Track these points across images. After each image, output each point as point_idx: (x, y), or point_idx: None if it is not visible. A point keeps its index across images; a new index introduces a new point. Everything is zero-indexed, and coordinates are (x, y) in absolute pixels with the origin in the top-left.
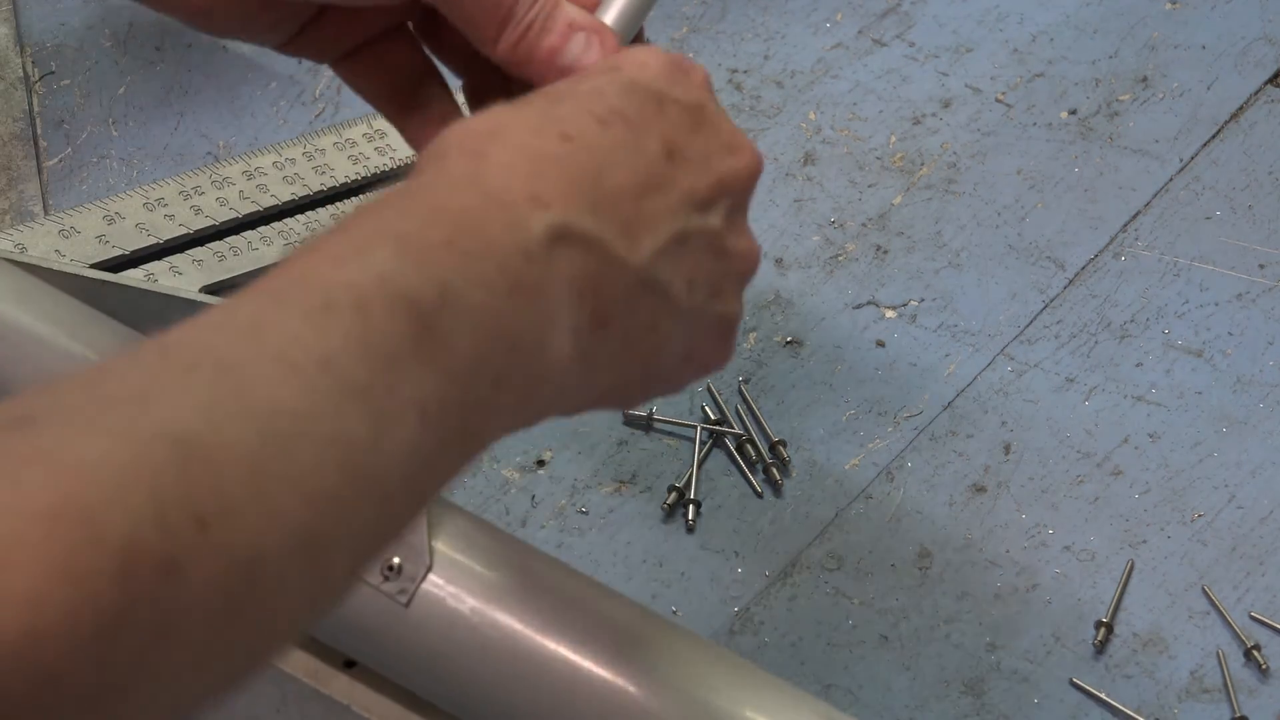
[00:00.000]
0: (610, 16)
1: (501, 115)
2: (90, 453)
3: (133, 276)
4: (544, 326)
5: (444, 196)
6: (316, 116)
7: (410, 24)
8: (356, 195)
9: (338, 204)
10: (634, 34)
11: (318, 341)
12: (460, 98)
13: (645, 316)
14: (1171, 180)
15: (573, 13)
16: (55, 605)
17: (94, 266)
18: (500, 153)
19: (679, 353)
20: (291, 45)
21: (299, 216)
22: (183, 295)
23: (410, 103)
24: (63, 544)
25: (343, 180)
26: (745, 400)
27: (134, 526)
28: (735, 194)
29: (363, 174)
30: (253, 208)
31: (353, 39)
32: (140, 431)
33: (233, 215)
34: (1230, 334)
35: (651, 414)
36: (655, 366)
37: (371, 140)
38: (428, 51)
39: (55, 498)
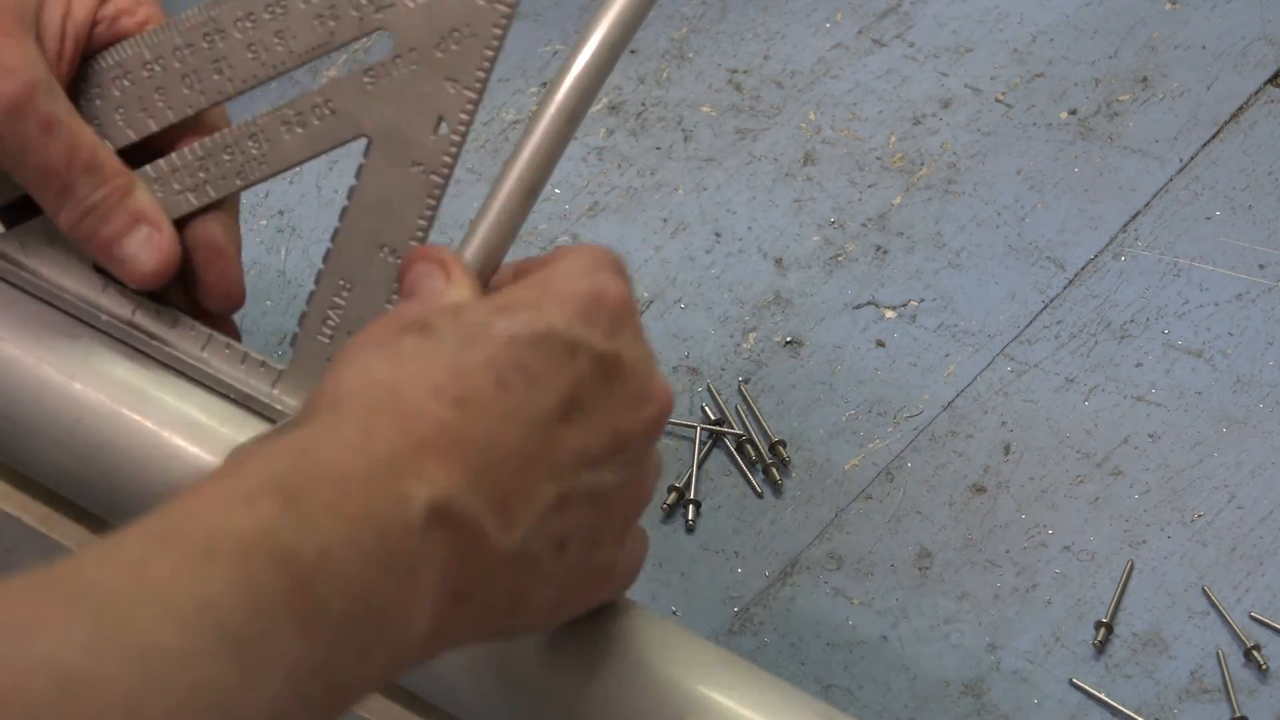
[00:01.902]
0: (478, 235)
1: (408, 362)
2: None
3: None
4: (411, 602)
5: (333, 455)
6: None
7: None
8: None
9: None
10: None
11: (198, 585)
12: None
13: (508, 586)
14: (1171, 180)
15: (143, 203)
16: None
17: None
18: (393, 416)
19: (544, 606)
20: None
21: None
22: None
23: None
24: None
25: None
26: (745, 400)
27: None
28: (637, 445)
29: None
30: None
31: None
32: (20, 661)
33: None
34: (1230, 334)
35: None
36: (515, 624)
37: None
38: None
39: None
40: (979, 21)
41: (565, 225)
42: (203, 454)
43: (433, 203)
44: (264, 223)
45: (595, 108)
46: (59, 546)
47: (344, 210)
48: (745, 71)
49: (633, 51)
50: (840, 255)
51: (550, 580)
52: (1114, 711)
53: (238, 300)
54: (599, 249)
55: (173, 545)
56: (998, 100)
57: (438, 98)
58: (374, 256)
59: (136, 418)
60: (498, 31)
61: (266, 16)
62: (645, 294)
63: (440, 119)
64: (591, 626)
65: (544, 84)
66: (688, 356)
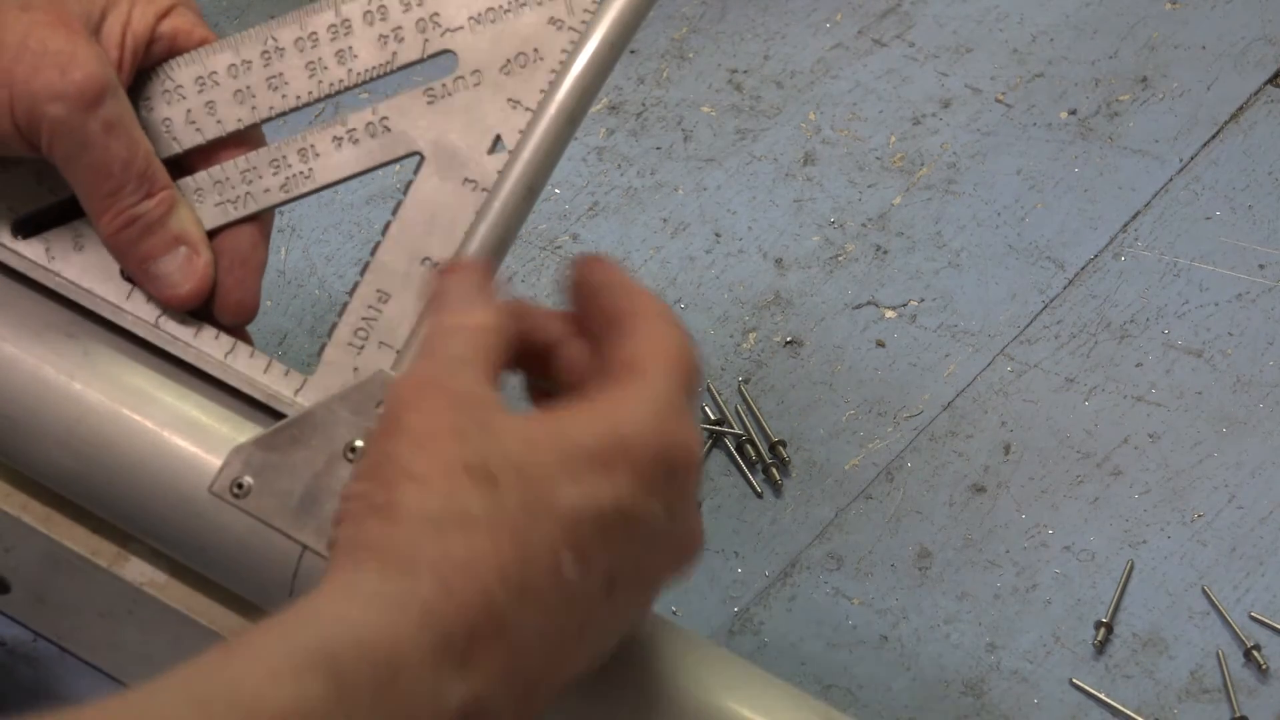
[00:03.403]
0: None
1: (476, 535)
2: None
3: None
4: None
5: (390, 635)
6: (316, 117)
7: None
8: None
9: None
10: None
11: None
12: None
13: None
14: (1171, 180)
15: (186, 224)
16: None
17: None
18: (459, 601)
19: None
20: None
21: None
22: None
23: None
24: None
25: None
26: (745, 400)
27: None
28: (664, 585)
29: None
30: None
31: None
32: None
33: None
34: (1230, 334)
35: None
36: None
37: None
38: None
39: None
40: (979, 21)
41: (565, 225)
42: (202, 454)
43: (481, 209)
44: None
45: (595, 108)
46: (59, 546)
47: (388, 224)
48: (745, 71)
49: (633, 51)
50: (840, 255)
51: None
52: (1114, 711)
53: (250, 313)
54: (678, 345)
55: (211, 715)
56: (998, 100)
57: (497, 118)
58: (415, 269)
59: (136, 418)
60: (563, 56)
61: (328, 36)
62: None
63: (498, 138)
64: None
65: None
66: None
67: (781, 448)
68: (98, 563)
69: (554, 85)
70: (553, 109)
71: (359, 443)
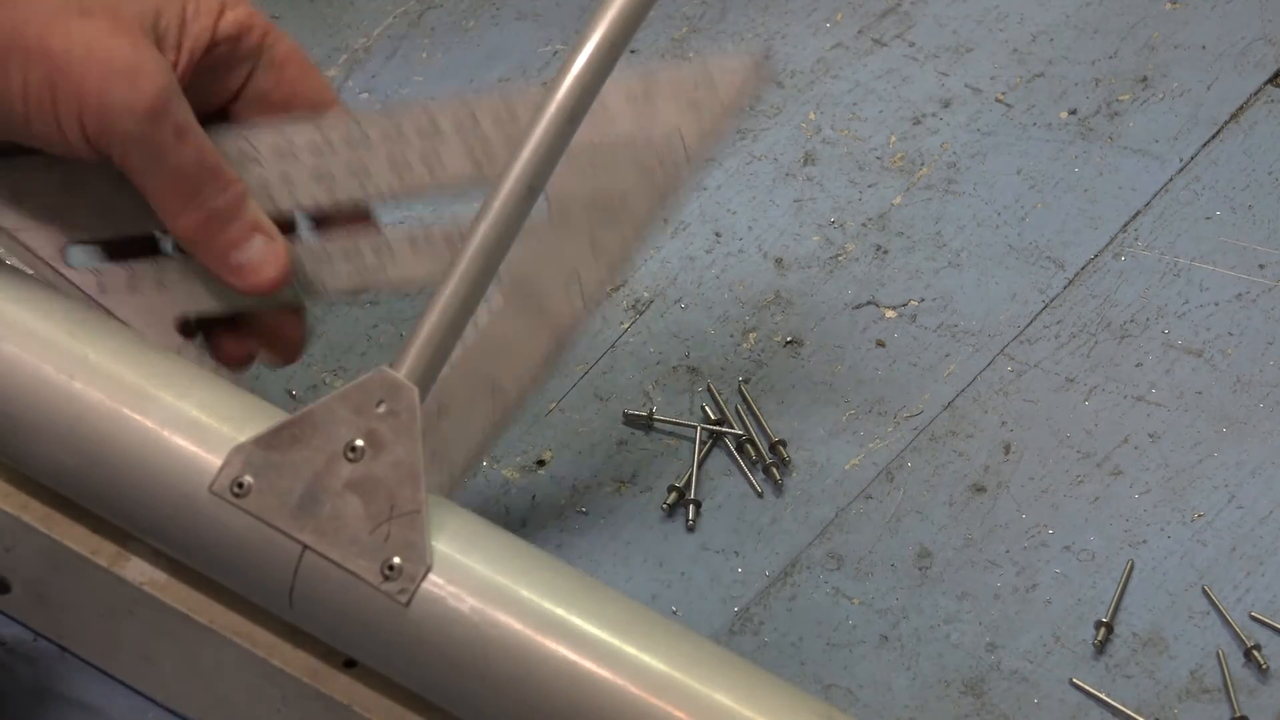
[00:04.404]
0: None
1: None
2: None
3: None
4: None
5: None
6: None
7: None
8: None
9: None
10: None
11: None
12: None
13: None
14: (1171, 180)
15: (258, 213)
16: None
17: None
18: None
19: None
20: None
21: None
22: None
23: None
24: None
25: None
26: (745, 400)
27: None
28: None
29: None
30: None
31: None
32: None
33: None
34: (1230, 334)
35: (652, 414)
36: None
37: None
38: None
39: None
40: (979, 21)
41: None
42: (202, 453)
43: (552, 349)
44: None
45: None
46: (59, 546)
47: (461, 346)
48: None
49: (633, 51)
50: (840, 255)
51: None
52: (1114, 711)
53: (298, 352)
54: None
55: None
56: (998, 100)
57: (576, 259)
58: (479, 391)
59: (136, 417)
60: (653, 209)
61: (417, 137)
62: (645, 294)
63: (577, 277)
64: (592, 626)
65: (544, 84)
66: (688, 356)
67: (782, 447)
68: (98, 562)
69: (554, 84)
70: (553, 108)
71: (359, 442)
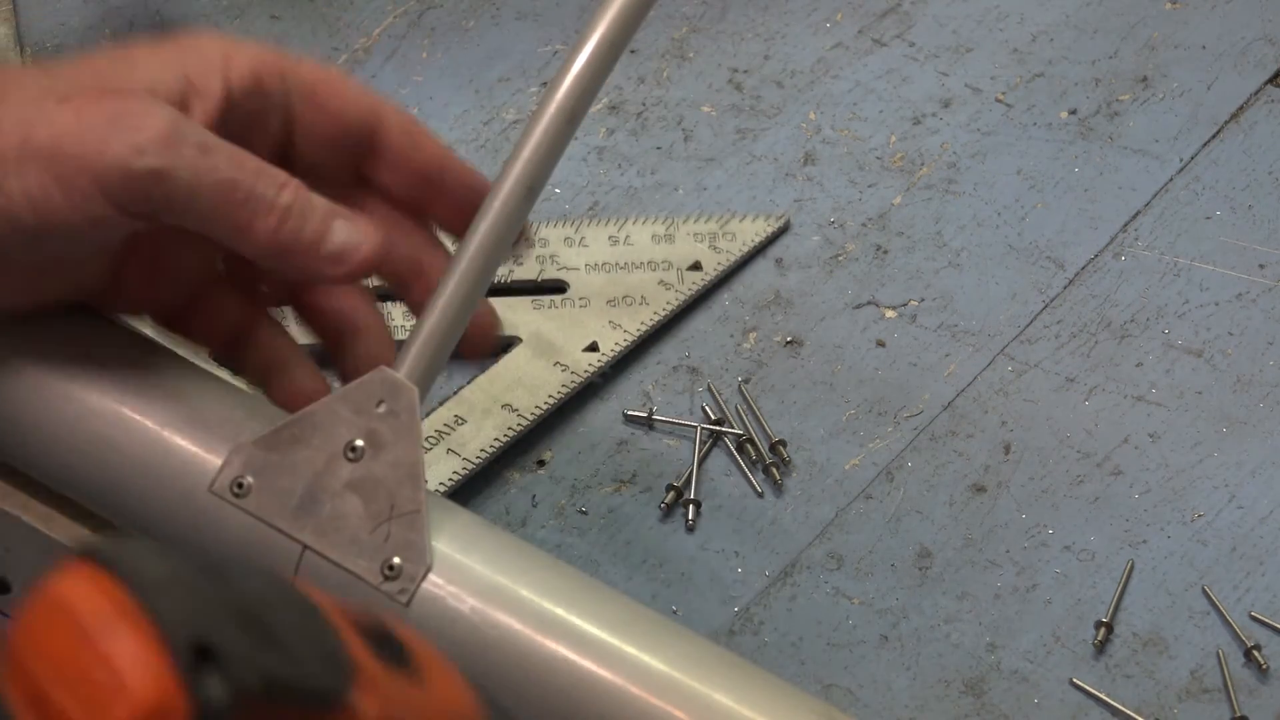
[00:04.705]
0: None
1: None
2: None
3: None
4: None
5: None
6: None
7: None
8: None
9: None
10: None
11: None
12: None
13: None
14: (1171, 180)
15: (324, 199)
16: None
17: None
18: None
19: None
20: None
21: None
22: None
23: (245, 355)
24: None
25: None
26: (745, 400)
27: None
28: None
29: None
30: None
31: (163, 294)
32: None
33: None
34: (1230, 334)
35: (651, 414)
36: None
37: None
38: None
39: None
40: (979, 21)
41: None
42: (202, 454)
43: (565, 391)
44: None
45: (595, 108)
46: (59, 546)
47: (474, 375)
48: (745, 71)
49: (633, 51)
50: (840, 255)
51: None
52: (1114, 711)
53: (496, 336)
54: None
55: None
56: (998, 100)
57: (597, 331)
58: (494, 408)
59: (136, 418)
60: (668, 307)
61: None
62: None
63: (595, 344)
64: (592, 626)
65: (544, 84)
66: (688, 356)
67: (782, 447)
68: None
69: (554, 84)
70: (552, 108)
71: (359, 442)
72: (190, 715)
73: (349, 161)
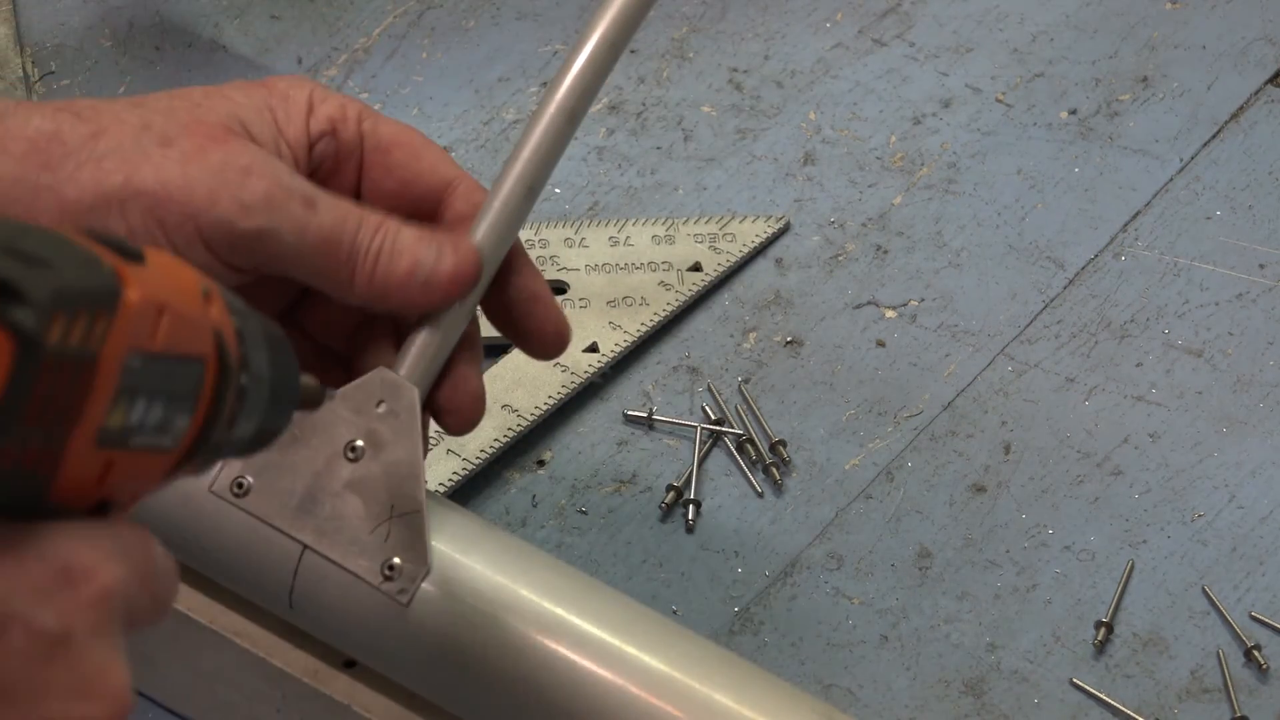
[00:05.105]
0: (479, 233)
1: None
2: None
3: None
4: None
5: None
6: None
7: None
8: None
9: None
10: (504, 248)
11: None
12: None
13: None
14: (1171, 180)
15: (416, 231)
16: None
17: None
18: None
19: None
20: None
21: None
22: None
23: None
24: None
25: None
26: (745, 400)
27: None
28: None
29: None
30: None
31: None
32: None
33: None
34: (1230, 334)
35: (651, 414)
36: None
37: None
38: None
39: None
40: (979, 21)
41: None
42: None
43: (565, 391)
44: None
45: (595, 108)
46: None
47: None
48: (745, 71)
49: (633, 51)
50: (840, 255)
51: None
52: (1114, 711)
53: (566, 338)
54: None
55: None
56: (998, 100)
57: (597, 331)
58: (494, 408)
59: None
60: (668, 308)
61: None
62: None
63: (595, 345)
64: (592, 626)
65: (544, 84)
66: (688, 356)
67: (782, 447)
68: None
69: (554, 84)
70: (552, 108)
71: (359, 442)
72: (12, 345)
73: (414, 215)
